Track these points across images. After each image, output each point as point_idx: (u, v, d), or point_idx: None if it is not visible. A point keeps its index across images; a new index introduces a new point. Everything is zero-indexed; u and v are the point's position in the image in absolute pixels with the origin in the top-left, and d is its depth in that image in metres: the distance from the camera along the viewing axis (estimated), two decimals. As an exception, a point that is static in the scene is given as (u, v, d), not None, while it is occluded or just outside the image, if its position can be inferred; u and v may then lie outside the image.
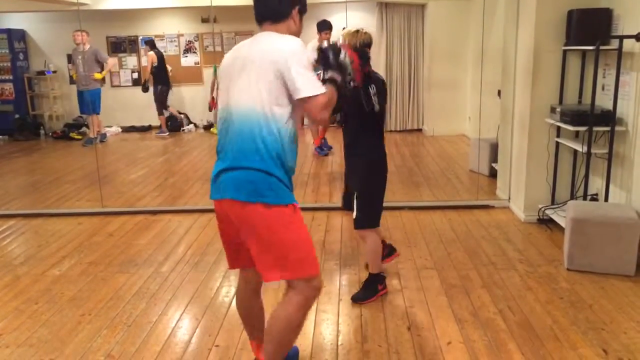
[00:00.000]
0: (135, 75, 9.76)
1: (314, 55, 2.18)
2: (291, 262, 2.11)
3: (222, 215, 2.19)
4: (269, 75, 2.02)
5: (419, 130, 8.86)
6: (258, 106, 2.03)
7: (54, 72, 9.47)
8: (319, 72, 2.18)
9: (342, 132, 3.22)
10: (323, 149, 7.12)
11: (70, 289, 3.50)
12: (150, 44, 9.05)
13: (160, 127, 9.16)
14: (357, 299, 3.22)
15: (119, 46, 9.69)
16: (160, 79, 9.00)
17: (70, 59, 8.64)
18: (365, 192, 3.15)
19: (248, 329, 2.55)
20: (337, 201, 5.01)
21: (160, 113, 9.06)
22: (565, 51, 4.19)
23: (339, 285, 3.44)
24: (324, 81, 2.13)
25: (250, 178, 2.05)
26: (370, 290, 3.27)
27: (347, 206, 3.32)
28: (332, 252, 3.90)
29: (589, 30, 3.87)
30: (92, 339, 2.88)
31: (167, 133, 9.14)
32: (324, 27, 6.39)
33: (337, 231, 4.38)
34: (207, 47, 9.69)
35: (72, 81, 9.03)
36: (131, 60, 9.74)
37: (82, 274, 3.74)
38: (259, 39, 2.13)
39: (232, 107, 2.09)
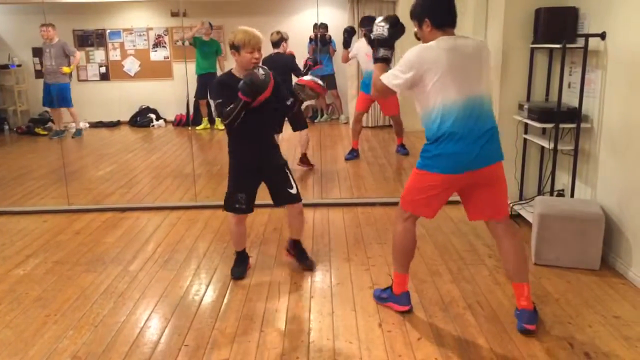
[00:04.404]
0: (103, 69, 9.56)
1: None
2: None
3: (468, 180, 2.72)
4: (488, 68, 2.78)
5: (390, 126, 8.89)
6: (489, 91, 2.80)
7: (19, 65, 9.20)
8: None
9: (262, 126, 3.32)
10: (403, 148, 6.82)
11: (35, 289, 3.42)
12: None
13: None
14: (312, 267, 3.61)
15: (86, 40, 9.47)
16: None
17: (39, 52, 8.41)
18: (290, 169, 3.47)
19: (407, 265, 3.03)
20: (312, 197, 5.01)
21: None
22: (532, 49, 4.25)
23: (310, 282, 3.44)
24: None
25: (499, 143, 2.77)
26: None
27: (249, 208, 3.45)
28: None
29: (556, 29, 3.93)
30: (58, 340, 2.82)
31: None
32: (365, 23, 6.39)
33: (309, 228, 4.38)
34: (177, 41, 9.55)
35: (40, 75, 8.80)
36: (99, 54, 9.54)
37: (48, 273, 3.65)
38: (467, 39, 2.75)
39: (481, 95, 2.69)
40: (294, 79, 4.98)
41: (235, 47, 3.14)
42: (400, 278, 3.03)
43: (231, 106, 3.06)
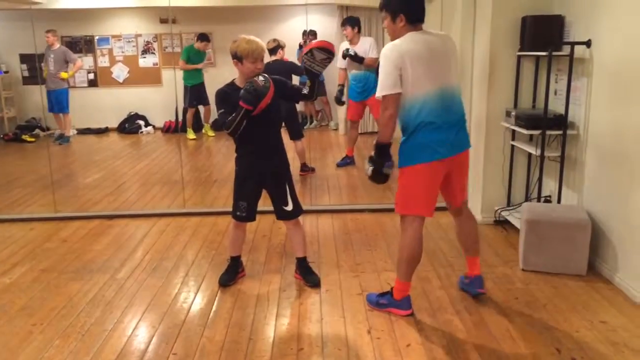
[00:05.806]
0: (92, 75, 9.53)
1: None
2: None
3: (447, 167, 2.89)
4: (456, 60, 2.93)
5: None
6: (458, 82, 2.97)
7: (6, 72, 9.14)
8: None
9: (265, 134, 3.30)
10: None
11: (21, 298, 3.38)
12: None
13: None
14: (317, 283, 3.47)
15: (74, 46, 9.43)
16: None
17: (26, 58, 8.38)
18: (292, 183, 3.46)
19: (412, 272, 3.08)
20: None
21: None
22: (519, 56, 4.29)
23: (299, 289, 3.43)
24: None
25: (466, 132, 2.97)
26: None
27: (252, 216, 3.45)
28: (292, 256, 3.88)
29: (542, 37, 3.97)
30: (44, 349, 2.79)
31: None
32: (345, 23, 6.43)
33: (298, 234, 4.36)
34: (166, 48, 9.54)
35: (27, 81, 8.81)
36: (87, 61, 9.50)
37: (34, 281, 3.62)
38: (434, 34, 2.87)
39: (452, 86, 2.86)
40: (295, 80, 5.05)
41: (237, 57, 3.13)
42: (403, 285, 3.06)
43: (233, 115, 3.06)
